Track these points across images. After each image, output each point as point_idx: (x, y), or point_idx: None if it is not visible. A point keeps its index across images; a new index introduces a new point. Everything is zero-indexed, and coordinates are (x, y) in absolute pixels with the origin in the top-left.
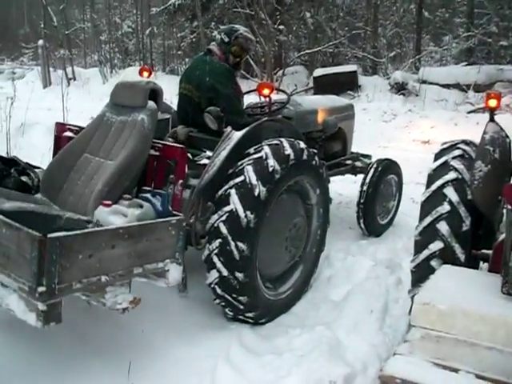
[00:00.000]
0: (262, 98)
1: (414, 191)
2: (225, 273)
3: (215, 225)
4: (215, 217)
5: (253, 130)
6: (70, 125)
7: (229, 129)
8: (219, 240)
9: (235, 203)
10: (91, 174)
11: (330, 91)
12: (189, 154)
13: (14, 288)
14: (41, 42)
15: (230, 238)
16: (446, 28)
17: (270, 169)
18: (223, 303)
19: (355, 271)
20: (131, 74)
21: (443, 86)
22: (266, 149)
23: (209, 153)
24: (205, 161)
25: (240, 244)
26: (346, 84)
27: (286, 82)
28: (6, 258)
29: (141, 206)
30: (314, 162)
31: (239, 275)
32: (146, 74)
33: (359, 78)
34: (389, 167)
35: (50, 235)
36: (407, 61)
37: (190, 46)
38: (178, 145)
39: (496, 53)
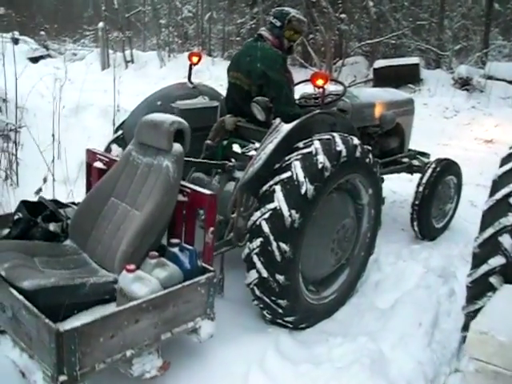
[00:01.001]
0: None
1: (473, 193)
2: (265, 274)
3: (257, 222)
4: (258, 214)
5: (304, 122)
6: (100, 154)
7: (277, 120)
8: (260, 239)
9: (279, 201)
10: (118, 223)
11: (390, 84)
12: (236, 145)
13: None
14: (101, 24)
15: (272, 237)
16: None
17: (320, 166)
18: (262, 305)
19: (405, 278)
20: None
21: (511, 82)
22: (317, 144)
23: (257, 144)
24: (252, 152)
25: (282, 245)
26: (407, 77)
27: (345, 73)
28: (29, 339)
29: (167, 266)
30: (367, 160)
31: (280, 277)
32: (195, 59)
33: (421, 71)
34: (448, 167)
35: (65, 328)
36: (473, 55)
37: (249, 33)
38: (207, 191)
39: None
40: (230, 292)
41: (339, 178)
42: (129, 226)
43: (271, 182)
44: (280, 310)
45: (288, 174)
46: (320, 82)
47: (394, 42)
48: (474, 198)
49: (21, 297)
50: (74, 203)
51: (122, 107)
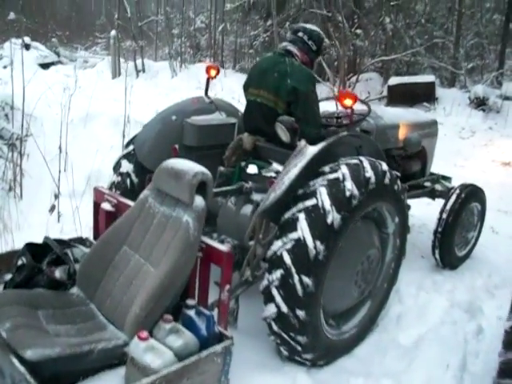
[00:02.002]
0: (339, 107)
1: (494, 219)
2: (284, 309)
3: (278, 253)
4: (279, 243)
5: (330, 145)
6: (108, 194)
7: (303, 142)
8: (281, 271)
9: (303, 230)
10: (130, 277)
11: (405, 102)
12: (254, 166)
13: None
14: (113, 32)
15: (293, 270)
16: None
17: (347, 193)
18: (279, 341)
19: (429, 312)
20: (201, 69)
21: None
22: (344, 169)
23: (276, 165)
24: (271, 174)
25: (305, 278)
26: (422, 95)
27: (358, 89)
28: None
29: (182, 333)
30: (395, 187)
31: (300, 313)
32: (213, 72)
33: (436, 89)
34: (473, 194)
35: None
36: (488, 74)
37: (262, 45)
38: (224, 248)
39: None
40: (243, 322)
41: (367, 207)
42: (142, 283)
43: (294, 210)
44: (299, 347)
45: (313, 201)
46: (348, 102)
47: (407, 59)
48: (494, 224)
49: (22, 368)
50: (81, 239)
51: (132, 118)
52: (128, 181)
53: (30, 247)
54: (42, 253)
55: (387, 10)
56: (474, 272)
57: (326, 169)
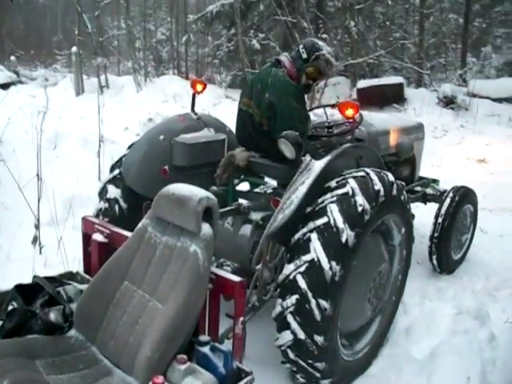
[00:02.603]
0: (329, 116)
1: (481, 219)
2: (301, 335)
3: (291, 277)
4: (291, 266)
5: (336, 158)
6: (99, 224)
7: (308, 158)
8: (296, 296)
9: (317, 251)
10: (135, 315)
11: (375, 104)
12: (247, 183)
13: None
14: (74, 48)
15: (310, 294)
16: (483, 38)
17: (359, 208)
18: (295, 368)
19: (436, 322)
20: (166, 82)
21: (494, 100)
22: (352, 183)
23: (273, 182)
24: (268, 191)
25: (322, 302)
26: (391, 97)
27: (327, 94)
28: None
29: (200, 373)
30: (402, 198)
31: (319, 339)
32: (199, 87)
33: (405, 90)
34: (466, 196)
35: None
36: (451, 72)
37: (227, 55)
38: (236, 278)
39: None
40: (251, 349)
41: (377, 221)
42: (150, 321)
43: (305, 230)
44: (317, 374)
45: (324, 219)
46: (350, 112)
47: (371, 61)
48: (482, 224)
49: None
50: (71, 274)
51: (105, 137)
52: (116, 207)
53: (19, 289)
54: (32, 294)
55: (351, 13)
56: (471, 275)
57: (333, 184)
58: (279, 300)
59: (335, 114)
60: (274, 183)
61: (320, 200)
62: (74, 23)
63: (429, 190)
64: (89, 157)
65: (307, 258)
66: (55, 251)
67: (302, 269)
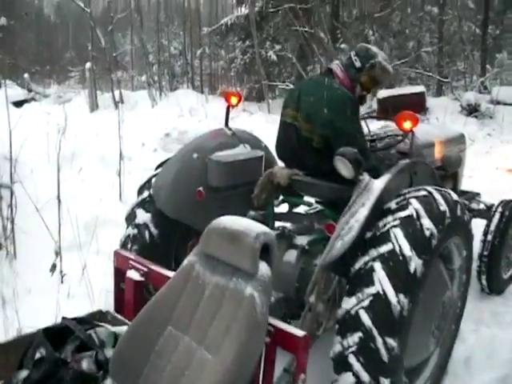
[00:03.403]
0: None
1: None
2: (365, 378)
3: (352, 312)
4: (353, 301)
5: (396, 176)
6: (134, 260)
7: (366, 177)
8: (359, 334)
9: (382, 283)
10: (181, 366)
11: (396, 113)
12: (284, 205)
13: None
14: (88, 64)
15: (375, 331)
16: (497, 45)
17: (427, 232)
18: None
19: (497, 351)
20: (181, 96)
21: None
22: (415, 204)
23: (315, 204)
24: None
25: (389, 340)
26: (412, 106)
27: None
28: None
29: None
30: (466, 218)
31: (385, 381)
32: (234, 100)
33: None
34: None
35: None
36: (471, 80)
37: (242, 67)
38: (299, 332)
39: None
40: None
41: (443, 245)
42: (199, 374)
43: (366, 258)
44: None
45: (389, 246)
46: (408, 125)
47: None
48: None
49: None
50: (101, 313)
51: (123, 154)
52: (146, 233)
53: (47, 333)
54: (61, 338)
55: (370, 22)
56: None
57: (393, 205)
58: (338, 338)
59: (377, 126)
60: (316, 204)
61: (381, 224)
62: (87, 39)
63: (474, 205)
64: (107, 175)
65: (371, 290)
66: (78, 280)
67: (366, 303)
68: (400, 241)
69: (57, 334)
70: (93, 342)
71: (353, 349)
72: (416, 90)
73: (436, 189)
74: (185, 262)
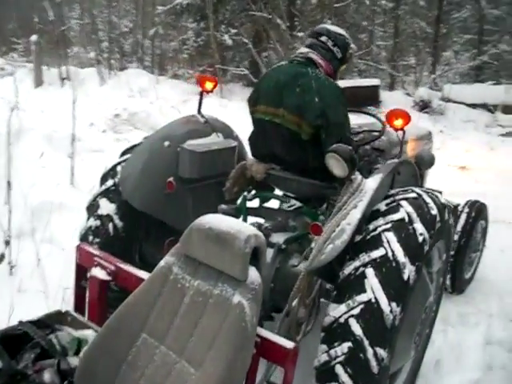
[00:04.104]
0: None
1: None
2: None
3: (341, 320)
4: (342, 308)
5: (386, 177)
6: (99, 257)
7: (359, 176)
8: (348, 344)
9: (375, 291)
10: (158, 379)
11: (350, 105)
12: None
13: None
14: (34, 37)
15: (366, 342)
16: (444, 44)
17: (420, 238)
18: None
19: (466, 353)
20: (132, 76)
21: (469, 105)
22: (407, 207)
23: (293, 201)
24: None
25: (380, 350)
26: (367, 99)
27: None
28: None
29: None
30: (451, 222)
31: None
32: (209, 85)
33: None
34: (481, 211)
35: None
36: (420, 76)
37: (196, 49)
38: (289, 343)
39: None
40: None
41: (431, 250)
42: None
43: (357, 263)
44: None
45: (381, 251)
46: (398, 123)
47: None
48: None
49: None
50: (59, 314)
51: (67, 133)
52: (110, 225)
53: (2, 340)
54: (17, 345)
55: (329, 12)
56: (483, 295)
57: (382, 207)
58: (323, 346)
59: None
60: (294, 201)
61: (371, 226)
62: (32, 10)
63: None
64: (56, 156)
65: (362, 298)
66: (30, 272)
67: (356, 311)
68: (393, 246)
69: (13, 340)
70: (54, 349)
71: (340, 359)
72: (371, 82)
73: (424, 191)
74: (161, 263)
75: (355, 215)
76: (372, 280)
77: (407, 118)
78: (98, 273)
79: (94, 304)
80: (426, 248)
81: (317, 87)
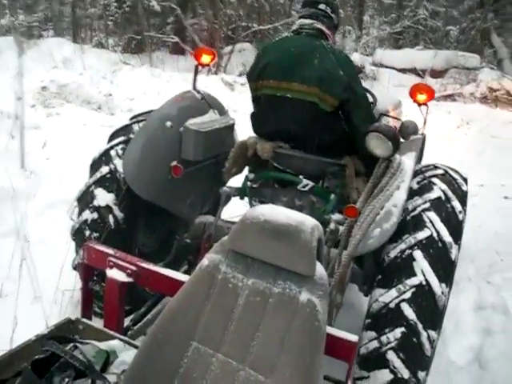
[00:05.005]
0: None
1: None
2: (406, 374)
3: (392, 306)
4: (391, 293)
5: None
6: (114, 256)
7: (397, 156)
8: (401, 329)
9: (425, 273)
10: None
11: None
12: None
13: None
14: None
15: (420, 325)
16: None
17: (460, 216)
18: None
19: (463, 319)
20: (54, 46)
21: (399, 70)
22: (440, 184)
23: (305, 181)
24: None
25: (432, 333)
26: None
27: (234, 61)
28: None
29: None
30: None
31: (422, 375)
32: (206, 58)
33: None
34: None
35: None
36: (357, 41)
37: (123, 17)
38: (353, 336)
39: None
40: None
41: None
42: None
43: (403, 246)
44: None
45: (426, 232)
46: (422, 99)
47: (280, 27)
48: None
49: None
50: (70, 322)
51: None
52: (111, 217)
53: (34, 365)
54: (46, 369)
55: None
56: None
57: (414, 185)
58: (371, 333)
59: None
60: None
61: (410, 206)
62: None
63: None
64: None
65: (413, 281)
66: (5, 273)
67: (408, 295)
68: (437, 226)
69: (41, 364)
70: (92, 369)
71: (392, 344)
72: None
73: (447, 166)
74: (205, 261)
75: (400, 196)
76: (421, 262)
77: (431, 93)
78: (115, 274)
79: (114, 309)
80: (464, 225)
81: (336, 60)
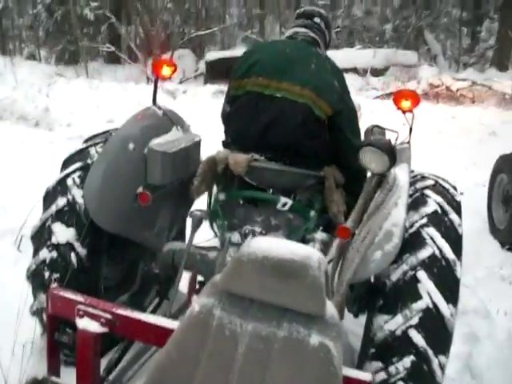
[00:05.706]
0: None
1: None
2: None
3: (399, 333)
4: (398, 320)
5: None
6: (86, 304)
7: (392, 170)
8: (411, 358)
9: (432, 295)
10: None
11: (225, 77)
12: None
13: None
14: None
15: (430, 351)
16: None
17: (459, 230)
18: None
19: None
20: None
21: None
22: (434, 196)
23: (284, 199)
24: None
25: (442, 358)
26: None
27: None
28: None
29: None
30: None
31: None
32: (167, 71)
33: None
34: None
35: None
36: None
37: (54, 27)
38: (366, 375)
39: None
40: None
41: None
42: None
43: (405, 267)
44: None
45: (428, 250)
46: (406, 105)
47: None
48: None
49: None
50: (37, 382)
51: None
52: (73, 255)
53: None
54: None
55: None
56: None
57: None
58: (376, 364)
59: None
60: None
61: (406, 223)
62: None
63: None
64: None
65: (420, 305)
66: None
67: (415, 321)
68: (439, 243)
69: None
70: None
71: (401, 375)
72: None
73: (435, 175)
74: (195, 306)
75: (400, 214)
76: (426, 284)
77: (417, 99)
78: (87, 325)
79: (87, 365)
80: (462, 240)
81: (331, 70)
